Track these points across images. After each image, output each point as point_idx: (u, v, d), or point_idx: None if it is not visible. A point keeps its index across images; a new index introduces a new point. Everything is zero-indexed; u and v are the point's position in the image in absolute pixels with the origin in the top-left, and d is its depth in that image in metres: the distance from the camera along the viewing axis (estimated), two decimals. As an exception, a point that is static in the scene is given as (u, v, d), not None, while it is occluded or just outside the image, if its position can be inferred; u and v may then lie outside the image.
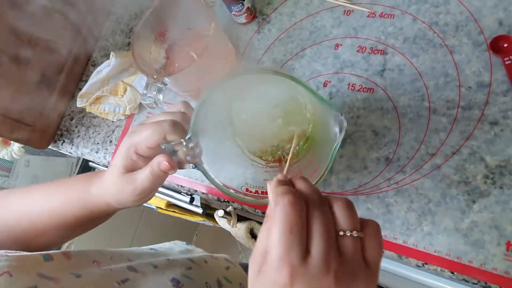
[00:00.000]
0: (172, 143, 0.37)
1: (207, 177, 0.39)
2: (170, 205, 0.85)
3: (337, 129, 0.35)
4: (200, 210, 0.79)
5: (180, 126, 0.38)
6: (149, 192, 0.40)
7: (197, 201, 0.76)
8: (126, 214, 1.34)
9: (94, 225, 0.47)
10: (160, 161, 0.37)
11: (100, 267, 0.41)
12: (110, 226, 1.27)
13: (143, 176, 0.38)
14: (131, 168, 0.39)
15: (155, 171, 0.37)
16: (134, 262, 0.45)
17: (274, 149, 0.50)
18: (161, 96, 0.54)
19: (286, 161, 0.46)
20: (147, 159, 0.39)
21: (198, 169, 0.39)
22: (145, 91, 0.53)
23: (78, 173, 1.19)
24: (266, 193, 0.43)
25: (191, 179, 0.61)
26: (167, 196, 0.78)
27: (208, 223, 0.95)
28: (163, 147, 0.37)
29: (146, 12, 0.56)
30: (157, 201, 0.83)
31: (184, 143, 0.37)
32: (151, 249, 0.55)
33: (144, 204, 0.91)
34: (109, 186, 0.39)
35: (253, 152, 0.51)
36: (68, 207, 0.42)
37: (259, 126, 0.49)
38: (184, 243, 0.65)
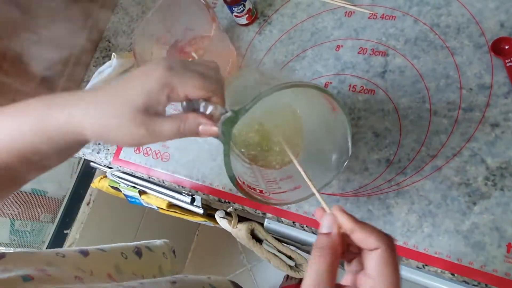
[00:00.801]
0: (213, 107, 0.33)
1: (225, 153, 0.35)
2: (171, 205, 0.85)
3: (334, 155, 0.35)
4: (201, 211, 0.79)
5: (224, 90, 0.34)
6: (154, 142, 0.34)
7: (198, 202, 0.76)
8: (128, 214, 1.34)
9: (58, 161, 0.37)
10: (204, 124, 0.32)
11: (83, 283, 0.39)
12: (112, 226, 1.27)
13: (167, 128, 0.32)
14: (149, 109, 0.31)
15: (189, 130, 0.32)
16: (122, 283, 0.44)
17: (255, 145, 0.48)
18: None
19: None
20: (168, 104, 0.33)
21: (221, 140, 0.35)
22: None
23: (79, 174, 1.20)
24: (253, 189, 0.42)
25: (192, 180, 0.61)
26: (168, 196, 0.78)
27: (209, 223, 0.95)
28: (203, 105, 0.33)
29: (147, 13, 0.56)
30: (158, 202, 0.83)
31: (218, 111, 0.33)
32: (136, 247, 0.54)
33: (145, 205, 0.91)
34: (105, 117, 0.31)
35: (236, 141, 0.48)
36: (17, 139, 0.32)
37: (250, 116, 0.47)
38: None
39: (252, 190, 0.40)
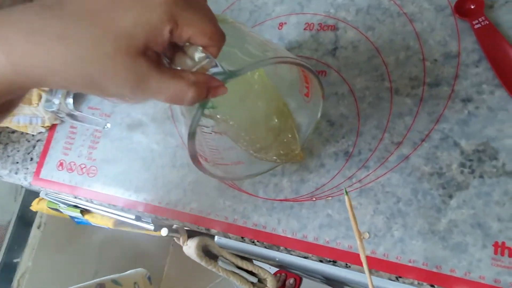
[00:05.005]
0: (209, 59, 0.26)
1: (196, 119, 0.29)
2: (120, 223, 0.75)
3: None
4: (151, 227, 0.69)
5: None
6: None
7: (146, 217, 0.67)
8: (86, 235, 1.23)
9: None
10: (216, 86, 0.25)
11: None
12: (69, 249, 1.16)
13: (170, 92, 0.23)
14: (148, 50, 0.23)
15: (196, 98, 0.24)
16: None
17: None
18: (71, 101, 0.45)
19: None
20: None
21: None
22: (48, 96, 0.43)
23: (25, 196, 1.08)
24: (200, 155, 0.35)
25: (124, 196, 0.51)
26: (113, 214, 0.68)
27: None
28: (194, 49, 0.26)
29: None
30: (104, 220, 0.73)
31: (211, 64, 0.27)
32: None
33: (93, 224, 0.81)
34: (86, 62, 0.21)
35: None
36: None
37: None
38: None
39: (199, 156, 0.34)
